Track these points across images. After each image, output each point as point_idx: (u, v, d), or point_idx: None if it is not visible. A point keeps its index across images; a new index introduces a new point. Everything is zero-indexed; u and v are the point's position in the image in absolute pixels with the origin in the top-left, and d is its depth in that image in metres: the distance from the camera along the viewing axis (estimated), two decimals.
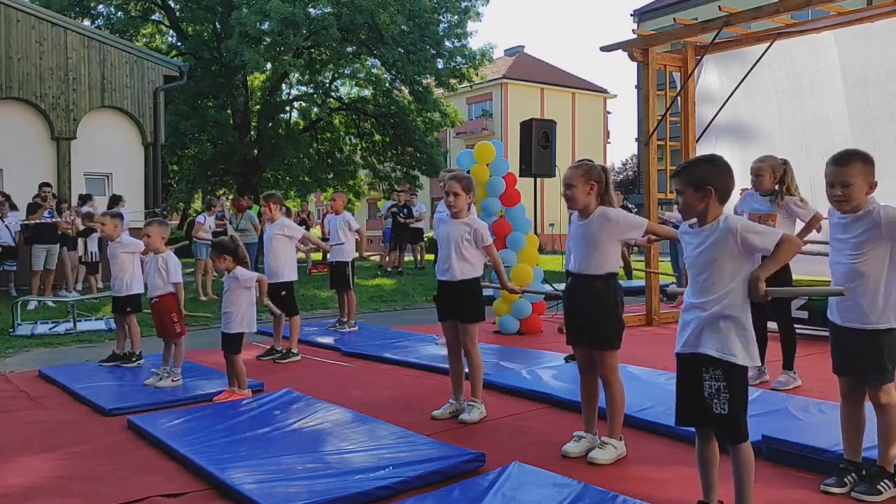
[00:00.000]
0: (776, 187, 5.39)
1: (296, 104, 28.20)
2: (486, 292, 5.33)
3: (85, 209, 12.23)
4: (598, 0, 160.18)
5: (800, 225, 5.46)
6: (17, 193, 12.38)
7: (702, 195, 2.85)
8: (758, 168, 5.43)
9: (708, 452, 2.96)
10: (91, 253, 11.89)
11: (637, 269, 12.54)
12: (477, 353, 4.76)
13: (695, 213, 2.90)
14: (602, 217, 3.84)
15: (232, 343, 5.32)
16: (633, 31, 13.85)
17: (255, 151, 25.18)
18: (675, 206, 3.00)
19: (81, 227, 11.82)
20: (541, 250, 10.67)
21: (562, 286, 4.88)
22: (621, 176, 56.84)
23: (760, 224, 5.27)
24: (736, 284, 2.81)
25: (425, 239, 18.10)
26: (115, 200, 11.95)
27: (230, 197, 20.94)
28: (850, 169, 3.23)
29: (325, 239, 15.64)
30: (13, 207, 11.98)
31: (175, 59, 21.88)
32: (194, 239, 12.26)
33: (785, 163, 5.43)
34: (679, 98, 8.82)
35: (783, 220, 5.36)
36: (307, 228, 17.59)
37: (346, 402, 5.02)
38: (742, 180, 5.86)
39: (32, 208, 11.60)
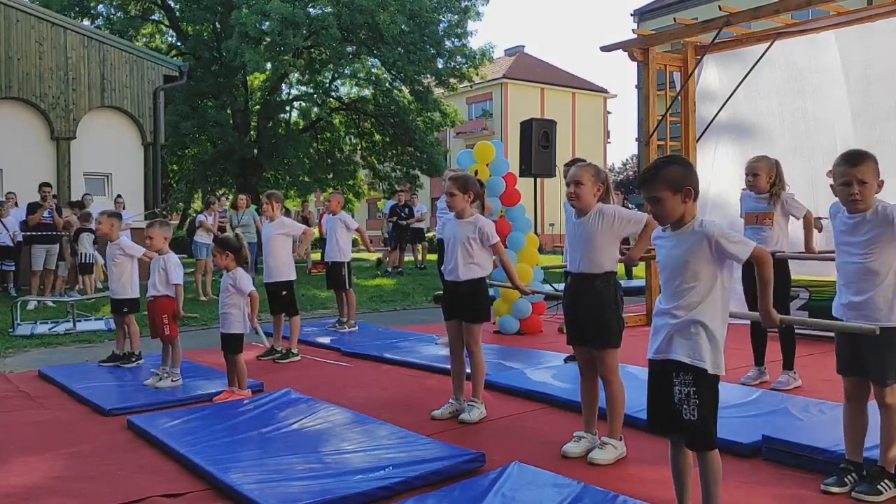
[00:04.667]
0: (770, 188, 5.42)
1: (296, 104, 28.20)
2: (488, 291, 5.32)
3: (91, 210, 12.23)
4: (598, 0, 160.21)
5: (794, 223, 5.48)
6: (17, 193, 12.36)
7: (683, 197, 2.79)
8: (754, 167, 5.42)
9: (680, 460, 2.94)
10: (84, 254, 11.78)
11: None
12: (480, 354, 4.77)
13: (676, 216, 2.81)
14: (599, 213, 3.85)
15: (231, 343, 5.32)
16: (633, 30, 13.87)
17: (255, 151, 25.17)
18: (652, 215, 2.88)
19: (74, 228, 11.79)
20: (541, 250, 10.65)
21: (562, 286, 4.88)
22: (621, 176, 56.86)
23: (757, 224, 5.35)
24: (708, 290, 2.77)
25: (426, 239, 18.10)
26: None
27: (230, 197, 20.93)
28: (865, 167, 3.22)
29: (322, 239, 15.64)
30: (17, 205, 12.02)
31: (175, 59, 21.88)
32: (195, 239, 12.26)
33: (777, 163, 5.47)
34: (679, 98, 8.82)
35: (780, 218, 5.39)
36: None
37: (346, 402, 5.02)
38: (743, 180, 5.86)
39: (33, 208, 11.61)
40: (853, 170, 3.23)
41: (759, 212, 5.40)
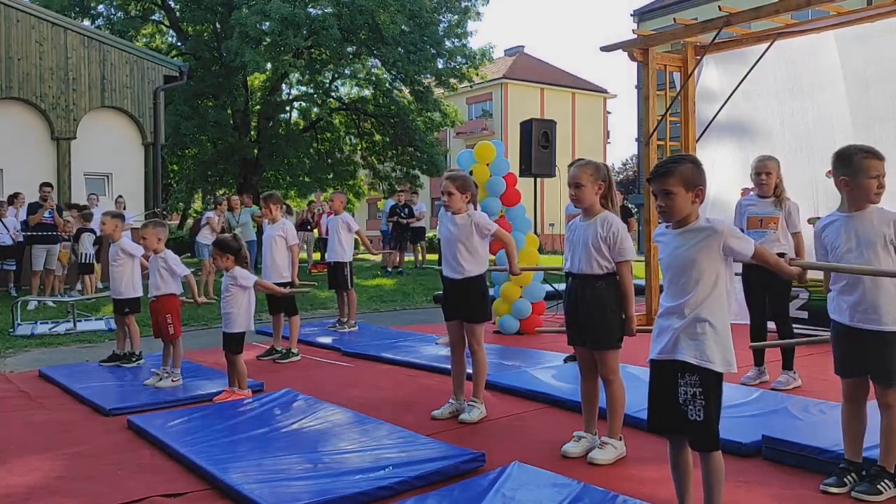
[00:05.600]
0: (774, 189, 5.40)
1: (296, 104, 28.20)
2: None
3: (95, 210, 12.23)
4: (598, 0, 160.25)
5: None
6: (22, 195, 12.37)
7: (694, 195, 2.82)
8: (767, 166, 5.37)
9: (681, 461, 2.94)
10: (84, 254, 11.73)
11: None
12: (483, 354, 4.77)
13: (684, 214, 2.83)
14: (604, 221, 3.84)
15: (233, 343, 5.32)
16: (633, 31, 13.87)
17: (255, 151, 25.18)
18: (658, 209, 2.89)
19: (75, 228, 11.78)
20: (541, 250, 10.66)
21: (561, 286, 4.88)
22: (621, 176, 56.85)
23: (761, 227, 5.34)
24: (713, 287, 2.79)
25: (426, 238, 18.10)
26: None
27: (228, 197, 20.98)
28: (884, 162, 3.26)
29: (323, 239, 15.66)
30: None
31: (175, 59, 21.89)
32: (197, 240, 12.25)
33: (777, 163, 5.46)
34: (679, 98, 8.81)
35: (783, 222, 5.37)
36: (310, 229, 17.63)
37: (346, 402, 5.02)
38: (743, 180, 5.86)
39: (33, 208, 11.60)
40: (881, 164, 3.25)
41: (765, 216, 5.39)
